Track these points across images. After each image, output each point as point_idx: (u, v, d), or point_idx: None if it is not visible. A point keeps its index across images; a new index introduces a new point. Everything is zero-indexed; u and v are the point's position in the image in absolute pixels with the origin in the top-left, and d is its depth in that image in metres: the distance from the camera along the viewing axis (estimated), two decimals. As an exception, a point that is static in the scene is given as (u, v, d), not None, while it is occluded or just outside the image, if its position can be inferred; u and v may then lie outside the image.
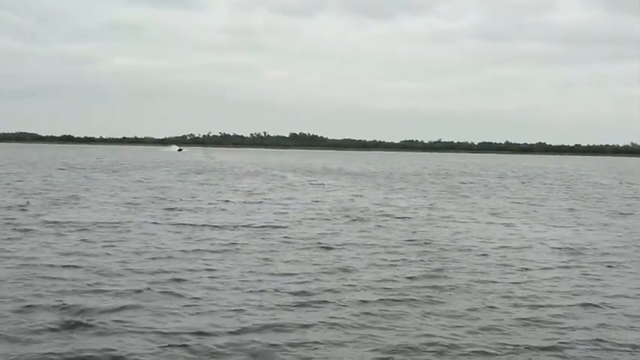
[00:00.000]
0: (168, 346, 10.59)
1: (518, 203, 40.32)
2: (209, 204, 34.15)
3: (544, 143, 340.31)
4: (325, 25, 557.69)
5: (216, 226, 24.98)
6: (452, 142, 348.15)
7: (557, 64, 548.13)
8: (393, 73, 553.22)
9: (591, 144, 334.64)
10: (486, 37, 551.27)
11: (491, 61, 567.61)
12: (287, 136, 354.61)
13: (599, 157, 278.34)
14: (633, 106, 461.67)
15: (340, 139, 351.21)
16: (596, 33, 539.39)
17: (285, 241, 21.67)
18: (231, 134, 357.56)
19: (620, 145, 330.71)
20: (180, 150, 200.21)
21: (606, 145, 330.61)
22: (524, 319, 12.84)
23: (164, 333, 11.22)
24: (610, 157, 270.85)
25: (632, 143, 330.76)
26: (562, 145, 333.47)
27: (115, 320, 11.86)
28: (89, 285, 14.54)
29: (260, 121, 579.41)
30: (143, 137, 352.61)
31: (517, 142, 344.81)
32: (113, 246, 19.76)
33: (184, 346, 10.64)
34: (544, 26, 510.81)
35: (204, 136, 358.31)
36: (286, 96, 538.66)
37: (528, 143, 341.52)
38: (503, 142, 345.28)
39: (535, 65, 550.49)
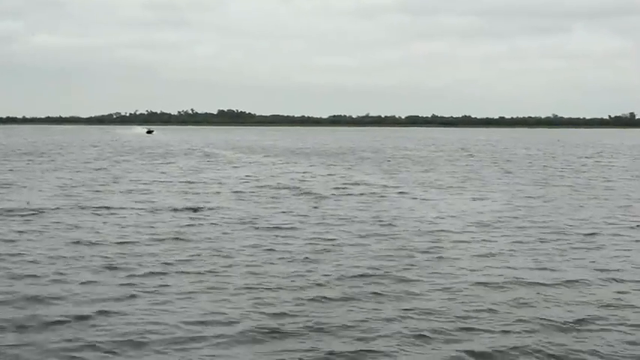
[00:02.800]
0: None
1: (465, 178, 40.93)
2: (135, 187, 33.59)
3: (469, 116, 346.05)
4: (252, 1, 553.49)
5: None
6: (379, 116, 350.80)
7: (481, 38, 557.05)
8: (320, 49, 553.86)
9: (515, 116, 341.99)
10: (412, 12, 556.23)
11: (417, 36, 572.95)
12: (215, 113, 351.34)
13: (523, 128, 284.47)
14: (554, 79, 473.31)
15: (269, 115, 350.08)
16: (519, 7, 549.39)
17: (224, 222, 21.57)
18: (159, 112, 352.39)
19: (542, 117, 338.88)
20: (150, 132, 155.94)
21: (529, 117, 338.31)
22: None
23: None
24: (534, 129, 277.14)
25: (553, 115, 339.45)
26: (487, 118, 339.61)
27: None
28: None
29: (187, 98, 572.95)
30: (68, 116, 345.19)
31: (443, 115, 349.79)
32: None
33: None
34: (468, 0, 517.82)
35: (130, 114, 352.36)
36: (213, 73, 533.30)
37: (454, 116, 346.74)
38: (429, 116, 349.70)
39: (460, 40, 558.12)
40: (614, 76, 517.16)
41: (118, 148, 78.28)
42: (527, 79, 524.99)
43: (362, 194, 29.33)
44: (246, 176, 38.51)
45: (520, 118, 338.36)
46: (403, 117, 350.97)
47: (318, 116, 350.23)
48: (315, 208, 24.55)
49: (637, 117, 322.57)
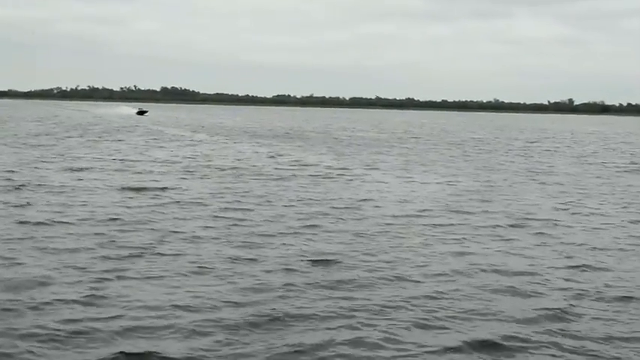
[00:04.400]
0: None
1: (416, 162, 41.23)
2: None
3: (413, 99, 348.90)
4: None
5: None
6: (324, 97, 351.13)
7: (426, 20, 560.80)
8: (267, 28, 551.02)
9: (457, 100, 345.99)
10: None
11: (363, 17, 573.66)
12: (158, 90, 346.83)
13: (466, 112, 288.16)
14: (497, 63, 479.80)
15: (213, 93, 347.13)
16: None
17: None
18: (100, 87, 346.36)
19: (484, 101, 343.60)
20: (142, 113, 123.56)
21: (471, 101, 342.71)
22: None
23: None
24: (476, 113, 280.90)
25: (494, 99, 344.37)
26: (430, 101, 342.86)
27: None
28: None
29: (130, 74, 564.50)
30: (7, 90, 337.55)
31: (387, 97, 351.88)
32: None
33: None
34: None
35: (72, 89, 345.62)
36: (158, 49, 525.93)
37: (398, 99, 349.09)
38: (373, 98, 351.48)
39: (406, 22, 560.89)
40: (555, 62, 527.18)
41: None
42: (470, 62, 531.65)
43: (314, 175, 29.34)
44: (194, 155, 38.18)
45: (462, 102, 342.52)
46: (347, 98, 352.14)
47: (263, 95, 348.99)
48: (267, 188, 24.46)
49: (575, 103, 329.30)
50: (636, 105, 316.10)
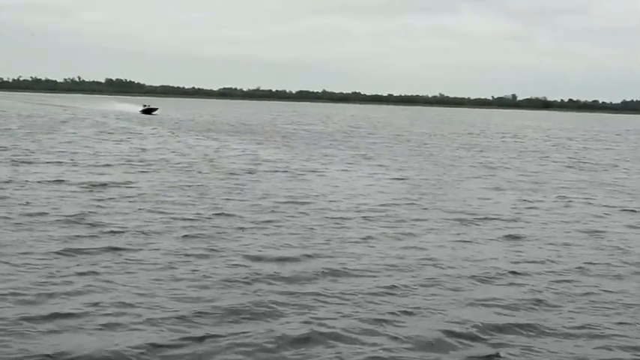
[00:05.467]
0: None
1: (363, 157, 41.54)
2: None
3: (359, 93, 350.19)
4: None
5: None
6: (270, 90, 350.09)
7: (373, 14, 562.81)
8: (213, 20, 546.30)
9: (403, 94, 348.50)
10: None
11: (310, 11, 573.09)
12: (103, 81, 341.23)
13: (412, 106, 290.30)
14: (443, 58, 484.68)
15: (158, 85, 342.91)
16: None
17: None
18: (44, 79, 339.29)
19: (430, 95, 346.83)
20: (149, 111, 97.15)
21: (417, 96, 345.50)
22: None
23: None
24: (422, 107, 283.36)
25: (440, 94, 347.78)
26: (376, 95, 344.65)
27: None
28: None
29: (74, 65, 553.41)
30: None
31: (334, 91, 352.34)
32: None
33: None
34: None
35: (13, 80, 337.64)
36: (103, 40, 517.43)
37: (344, 92, 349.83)
38: (320, 91, 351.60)
39: (352, 16, 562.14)
40: (499, 58, 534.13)
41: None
42: (416, 57, 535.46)
43: (265, 170, 29.49)
44: (144, 149, 37.95)
45: (408, 96, 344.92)
46: (294, 91, 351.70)
47: (210, 88, 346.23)
48: (217, 183, 24.55)
49: (518, 99, 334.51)
50: (577, 101, 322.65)
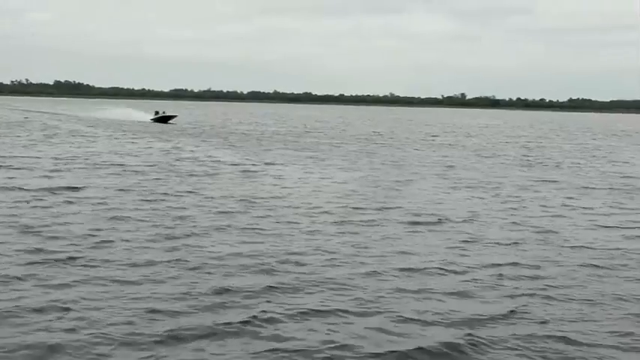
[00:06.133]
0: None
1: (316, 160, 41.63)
2: None
3: (310, 93, 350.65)
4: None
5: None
6: (221, 91, 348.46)
7: (324, 15, 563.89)
8: (164, 20, 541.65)
9: (354, 94, 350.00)
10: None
11: (261, 11, 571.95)
12: (51, 83, 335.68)
13: (363, 106, 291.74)
14: (393, 58, 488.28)
15: (108, 87, 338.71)
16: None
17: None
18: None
19: (381, 95, 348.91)
20: (166, 119, 78.39)
21: (368, 95, 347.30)
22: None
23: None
24: (372, 107, 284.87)
25: (390, 93, 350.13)
26: (328, 95, 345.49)
27: None
28: None
29: (22, 67, 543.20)
30: None
31: (285, 91, 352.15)
32: None
33: None
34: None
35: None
36: (50, 41, 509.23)
37: (296, 92, 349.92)
38: (271, 92, 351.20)
39: (303, 15, 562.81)
40: (448, 58, 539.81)
41: None
42: (366, 57, 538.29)
43: (220, 173, 29.42)
44: (98, 152, 37.54)
45: (359, 96, 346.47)
46: (245, 92, 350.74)
47: (160, 89, 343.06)
48: (170, 186, 24.42)
49: (467, 97, 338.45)
50: (524, 99, 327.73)
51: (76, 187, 22.91)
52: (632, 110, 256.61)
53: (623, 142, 68.35)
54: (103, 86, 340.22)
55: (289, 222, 18.05)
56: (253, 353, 9.28)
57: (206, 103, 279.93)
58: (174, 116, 79.51)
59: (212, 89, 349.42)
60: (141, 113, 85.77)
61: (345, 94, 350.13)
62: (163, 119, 77.88)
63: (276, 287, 12.04)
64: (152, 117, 79.39)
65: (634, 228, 19.04)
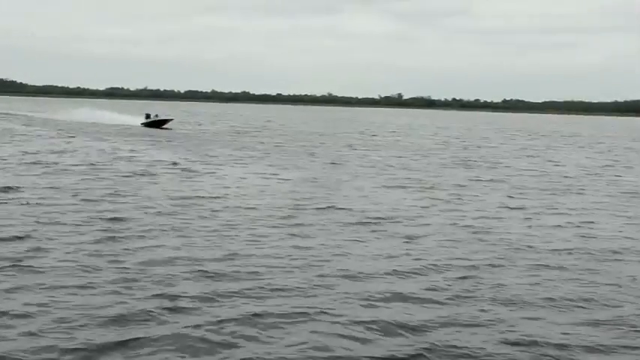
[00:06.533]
0: None
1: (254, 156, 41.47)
2: None
3: (248, 92, 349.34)
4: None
5: None
6: (158, 89, 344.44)
7: (261, 14, 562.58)
8: (99, 18, 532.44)
9: (292, 93, 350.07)
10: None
11: (199, 9, 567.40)
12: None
13: (302, 106, 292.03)
14: (331, 58, 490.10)
15: (42, 85, 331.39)
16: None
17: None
18: None
19: (319, 95, 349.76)
20: (157, 123, 69.13)
21: (306, 95, 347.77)
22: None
23: None
24: (311, 106, 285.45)
25: (328, 93, 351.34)
26: (266, 94, 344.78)
27: None
28: None
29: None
30: None
31: (223, 90, 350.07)
32: None
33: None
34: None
35: None
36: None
37: (234, 92, 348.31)
38: (209, 91, 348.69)
39: (241, 14, 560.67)
40: (385, 58, 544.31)
41: None
42: (304, 57, 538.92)
43: (157, 173, 29.10)
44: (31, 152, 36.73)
45: (297, 96, 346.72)
46: (183, 91, 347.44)
47: (95, 88, 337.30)
48: (111, 187, 24.07)
49: (404, 97, 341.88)
50: (460, 100, 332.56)
51: (9, 187, 22.40)
52: (563, 111, 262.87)
53: (556, 142, 69.95)
54: (36, 84, 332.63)
55: (229, 223, 17.97)
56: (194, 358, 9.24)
57: (143, 101, 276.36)
58: (170, 120, 70.70)
59: (149, 88, 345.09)
60: (128, 116, 76.01)
61: (283, 94, 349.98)
62: (156, 124, 68.82)
63: (216, 291, 11.96)
64: (143, 121, 69.84)
65: (569, 227, 19.52)
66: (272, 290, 12.06)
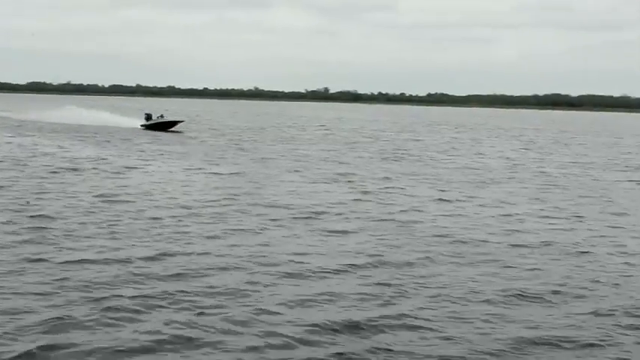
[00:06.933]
0: None
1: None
2: None
3: (174, 86, 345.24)
4: None
5: None
6: (81, 84, 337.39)
7: (186, 7, 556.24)
8: (20, 11, 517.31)
9: (218, 87, 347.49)
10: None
11: (121, 2, 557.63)
12: None
13: (228, 100, 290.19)
14: (257, 52, 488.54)
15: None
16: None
17: None
18: None
19: (245, 89, 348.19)
20: (161, 126, 59.14)
21: (232, 89, 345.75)
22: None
23: None
24: (241, 101, 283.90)
25: (255, 87, 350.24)
26: (191, 89, 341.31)
27: None
28: None
29: None
30: None
31: (148, 85, 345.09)
32: None
33: None
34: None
35: None
36: None
37: (159, 86, 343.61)
38: (134, 85, 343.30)
39: (166, 8, 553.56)
40: (311, 52, 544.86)
41: None
42: (230, 51, 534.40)
43: (87, 169, 28.52)
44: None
45: (223, 90, 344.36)
46: (107, 85, 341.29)
47: (16, 82, 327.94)
48: (37, 182, 23.47)
49: (330, 92, 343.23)
50: (386, 94, 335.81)
51: None
52: (485, 104, 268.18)
53: (480, 135, 71.22)
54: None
55: (158, 221, 17.72)
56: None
57: (65, 96, 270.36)
58: (179, 122, 60.46)
59: (72, 82, 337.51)
60: (124, 118, 65.45)
61: (210, 88, 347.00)
62: (161, 126, 58.80)
63: (147, 292, 11.78)
64: (143, 122, 60.08)
65: (488, 217, 19.95)
66: (205, 290, 11.91)
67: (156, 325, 10.16)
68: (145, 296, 11.41)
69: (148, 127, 59.09)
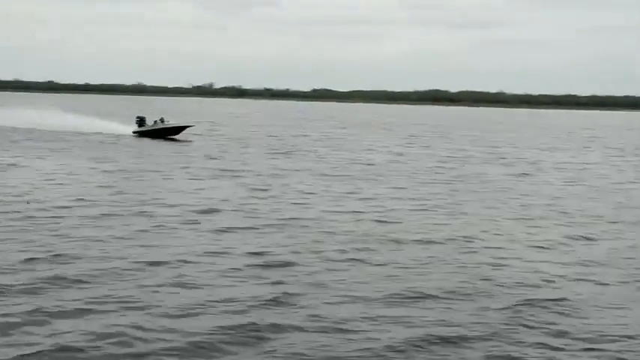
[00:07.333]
0: None
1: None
2: None
3: (54, 82, 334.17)
4: None
5: None
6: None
7: (63, 1, 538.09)
8: None
9: (101, 83, 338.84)
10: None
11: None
12: None
13: (110, 95, 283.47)
14: (140, 46, 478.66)
15: None
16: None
17: None
18: None
19: (129, 84, 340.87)
20: (161, 133, 47.57)
21: (116, 84, 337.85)
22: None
23: None
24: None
25: (138, 82, 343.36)
26: (73, 84, 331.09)
27: None
28: None
29: None
30: None
31: (28, 80, 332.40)
32: None
33: None
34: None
35: None
36: None
37: (38, 82, 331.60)
38: (11, 80, 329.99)
39: (41, 1, 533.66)
40: (196, 47, 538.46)
41: None
42: (113, 45, 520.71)
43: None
44: None
45: (106, 85, 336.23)
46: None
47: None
48: None
49: (216, 87, 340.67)
50: (270, 89, 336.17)
51: None
52: (368, 100, 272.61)
53: (363, 130, 72.22)
54: None
55: (36, 222, 17.15)
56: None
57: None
58: (188, 126, 50.33)
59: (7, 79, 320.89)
60: (114, 124, 53.05)
61: (92, 83, 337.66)
62: (162, 133, 48.03)
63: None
64: (135, 129, 49.27)
65: (377, 212, 20.31)
66: (89, 297, 11.54)
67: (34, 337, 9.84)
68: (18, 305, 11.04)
69: (144, 135, 48.21)
